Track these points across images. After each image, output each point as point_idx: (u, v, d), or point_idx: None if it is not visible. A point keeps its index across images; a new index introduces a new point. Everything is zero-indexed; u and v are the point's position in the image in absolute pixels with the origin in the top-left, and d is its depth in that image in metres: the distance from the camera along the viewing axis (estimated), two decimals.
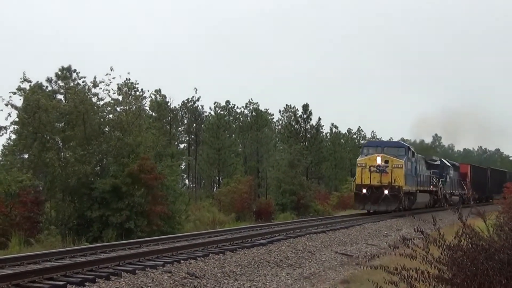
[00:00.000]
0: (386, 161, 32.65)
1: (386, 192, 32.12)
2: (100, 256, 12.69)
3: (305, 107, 61.48)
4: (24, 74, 29.38)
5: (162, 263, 12.33)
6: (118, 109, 29.62)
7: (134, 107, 30.48)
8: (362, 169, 32.96)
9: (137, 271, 11.36)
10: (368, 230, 24.30)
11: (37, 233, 23.14)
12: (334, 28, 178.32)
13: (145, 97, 33.78)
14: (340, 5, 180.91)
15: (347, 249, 18.06)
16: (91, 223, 25.34)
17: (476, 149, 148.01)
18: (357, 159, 34.71)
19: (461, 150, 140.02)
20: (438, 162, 45.56)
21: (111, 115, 29.53)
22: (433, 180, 42.33)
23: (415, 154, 37.12)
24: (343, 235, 21.65)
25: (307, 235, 20.17)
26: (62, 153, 28.13)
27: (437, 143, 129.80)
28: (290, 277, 13.44)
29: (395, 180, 32.41)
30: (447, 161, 48.91)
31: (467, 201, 53.09)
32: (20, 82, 29.49)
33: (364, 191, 32.47)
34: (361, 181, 32.79)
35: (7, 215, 23.74)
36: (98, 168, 28.58)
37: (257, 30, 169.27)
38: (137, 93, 32.28)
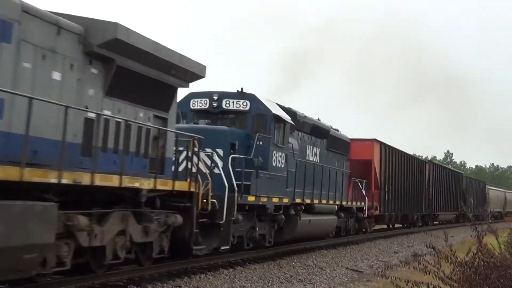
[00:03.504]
0: None
1: None
2: (110, 271, 12.66)
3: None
4: None
5: (171, 277, 12.31)
6: None
7: None
8: None
9: (147, 286, 11.34)
10: (379, 246, 24.19)
11: None
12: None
13: None
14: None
15: (357, 265, 17.98)
16: None
17: (488, 166, 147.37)
18: None
19: (473, 167, 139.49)
20: (244, 106, 16.49)
21: None
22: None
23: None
24: (354, 251, 21.58)
25: (317, 250, 20.12)
26: None
27: (448, 160, 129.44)
28: None
29: None
30: (302, 115, 19.85)
31: (369, 228, 28.38)
32: None
33: None
34: None
35: None
36: None
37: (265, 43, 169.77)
38: None
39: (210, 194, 13.33)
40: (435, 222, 42.44)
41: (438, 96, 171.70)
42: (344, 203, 23.33)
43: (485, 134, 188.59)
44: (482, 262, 7.78)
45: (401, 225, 37.02)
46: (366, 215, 26.56)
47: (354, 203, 24.85)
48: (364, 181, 26.53)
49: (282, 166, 17.20)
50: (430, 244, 8.02)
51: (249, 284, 12.90)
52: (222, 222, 13.90)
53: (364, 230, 27.89)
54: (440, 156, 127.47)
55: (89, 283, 10.59)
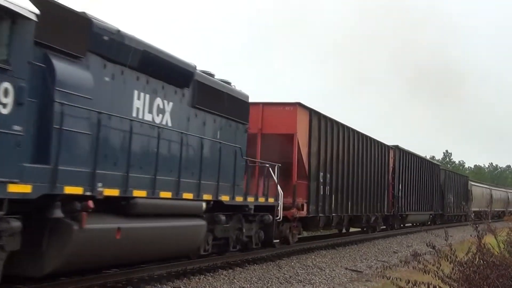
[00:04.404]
0: None
1: None
2: (109, 271, 12.66)
3: None
4: None
5: (171, 278, 12.30)
6: None
7: None
8: None
9: (146, 287, 11.32)
10: (378, 246, 24.20)
11: None
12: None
13: None
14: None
15: (357, 265, 17.97)
16: None
17: (487, 166, 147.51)
18: None
19: (472, 166, 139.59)
20: None
21: None
22: None
23: None
24: (353, 251, 21.58)
25: (317, 250, 20.11)
26: None
27: (447, 159, 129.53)
28: None
29: None
30: (112, 30, 10.75)
31: (290, 238, 19.22)
32: None
33: None
34: None
35: None
36: None
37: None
38: None
39: None
40: (407, 224, 36.59)
41: (437, 96, 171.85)
42: (224, 198, 14.01)
43: (484, 134, 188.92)
44: (481, 262, 7.77)
45: (359, 229, 29.16)
46: (280, 217, 17.17)
47: (251, 199, 15.42)
48: (277, 165, 17.04)
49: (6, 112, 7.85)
50: (430, 243, 8.00)
51: (248, 285, 12.90)
52: None
53: (278, 240, 17.98)
54: (439, 156, 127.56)
55: (88, 284, 10.58)
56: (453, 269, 7.77)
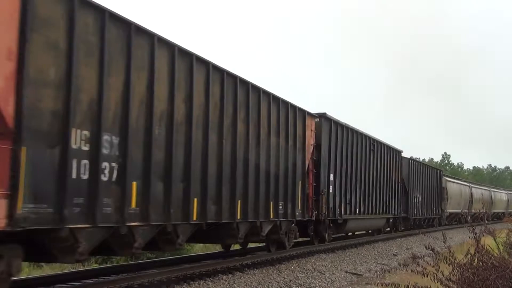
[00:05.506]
0: None
1: None
2: (109, 278, 12.69)
3: None
4: None
5: (170, 283, 12.31)
6: None
7: None
8: None
9: None
10: (378, 249, 24.21)
11: None
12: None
13: None
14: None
15: (356, 269, 17.99)
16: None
17: (485, 167, 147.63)
18: None
19: (471, 168, 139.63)
20: None
21: None
22: None
23: None
24: (353, 254, 21.59)
25: (316, 254, 20.12)
26: None
27: (446, 161, 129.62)
28: None
29: None
30: None
31: None
32: None
33: None
34: None
35: None
36: None
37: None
38: None
39: None
40: (350, 234, 27.03)
41: (435, 97, 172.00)
42: None
43: (483, 135, 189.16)
44: (480, 263, 7.79)
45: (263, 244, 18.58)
46: None
47: None
48: None
49: None
50: (429, 246, 8.03)
51: None
52: None
53: None
54: (437, 158, 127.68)
55: None
56: (452, 271, 7.79)
